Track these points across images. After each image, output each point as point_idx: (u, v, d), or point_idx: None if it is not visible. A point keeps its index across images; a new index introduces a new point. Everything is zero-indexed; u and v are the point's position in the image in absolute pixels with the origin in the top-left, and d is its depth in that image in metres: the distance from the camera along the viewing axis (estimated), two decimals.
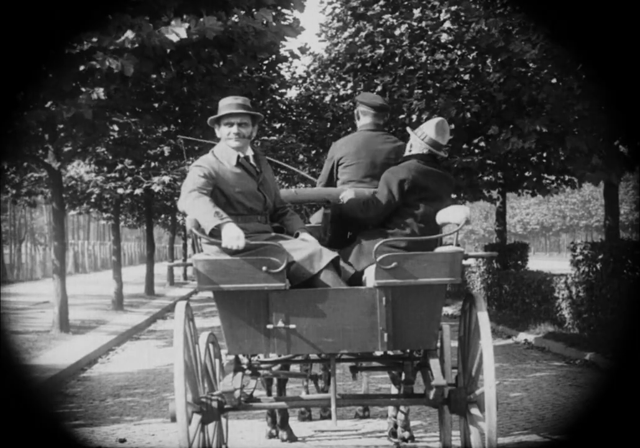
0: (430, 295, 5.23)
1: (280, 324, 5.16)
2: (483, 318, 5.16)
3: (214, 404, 5.42)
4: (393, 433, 6.95)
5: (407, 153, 5.89)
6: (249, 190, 5.46)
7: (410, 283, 5.18)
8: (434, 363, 5.43)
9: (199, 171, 5.36)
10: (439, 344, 5.81)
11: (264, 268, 5.10)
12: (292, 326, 5.16)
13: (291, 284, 5.24)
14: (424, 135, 5.76)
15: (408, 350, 5.79)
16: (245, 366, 5.87)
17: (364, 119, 6.33)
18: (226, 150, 5.51)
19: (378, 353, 5.90)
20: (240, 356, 5.82)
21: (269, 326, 5.17)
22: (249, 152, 5.57)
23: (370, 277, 5.34)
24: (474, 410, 5.33)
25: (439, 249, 5.49)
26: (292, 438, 7.02)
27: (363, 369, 6.47)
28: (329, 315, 5.17)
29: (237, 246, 5.06)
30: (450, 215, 5.53)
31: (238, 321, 5.19)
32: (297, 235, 5.56)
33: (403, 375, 6.20)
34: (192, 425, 5.17)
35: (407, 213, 5.64)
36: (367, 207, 5.69)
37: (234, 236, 5.06)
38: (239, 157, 5.49)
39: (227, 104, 5.50)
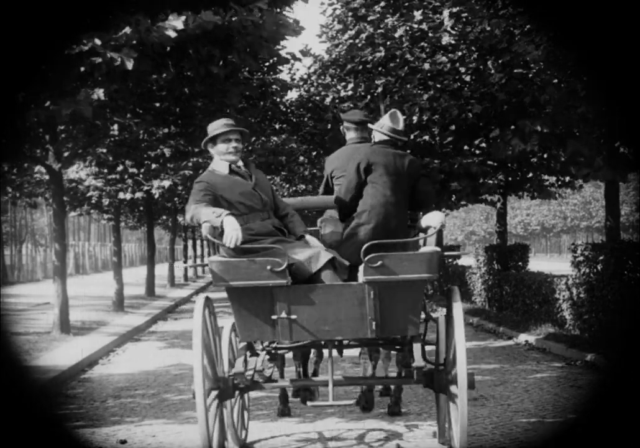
0: (412, 289, 5.91)
1: (284, 315, 5.86)
2: (457, 307, 5.96)
3: (230, 383, 6.20)
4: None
5: (372, 142, 6.72)
6: (245, 191, 6.21)
7: (393, 279, 5.85)
8: (416, 348, 6.23)
9: (198, 186, 6.16)
10: (435, 333, 6.57)
11: (269, 267, 5.77)
12: (294, 316, 5.86)
13: (294, 281, 5.90)
14: (382, 125, 6.63)
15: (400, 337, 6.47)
16: (259, 352, 6.63)
17: (349, 133, 7.27)
18: (219, 163, 6.33)
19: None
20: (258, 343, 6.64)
21: (274, 316, 5.87)
22: (239, 162, 6.38)
23: (360, 274, 6.00)
24: (453, 388, 6.02)
25: (420, 250, 6.17)
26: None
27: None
28: (325, 307, 5.88)
29: (236, 238, 5.75)
30: (431, 220, 6.26)
31: (247, 313, 5.91)
32: (300, 237, 6.27)
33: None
34: (210, 401, 5.94)
35: (368, 193, 6.44)
36: (339, 197, 6.57)
37: (232, 228, 5.76)
38: (230, 166, 6.29)
39: (223, 124, 6.33)
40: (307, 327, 5.91)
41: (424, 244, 6.38)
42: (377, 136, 6.66)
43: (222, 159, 6.32)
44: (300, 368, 7.63)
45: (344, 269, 6.13)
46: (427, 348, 6.67)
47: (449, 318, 6.20)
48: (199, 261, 46.61)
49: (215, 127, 6.32)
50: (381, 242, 6.06)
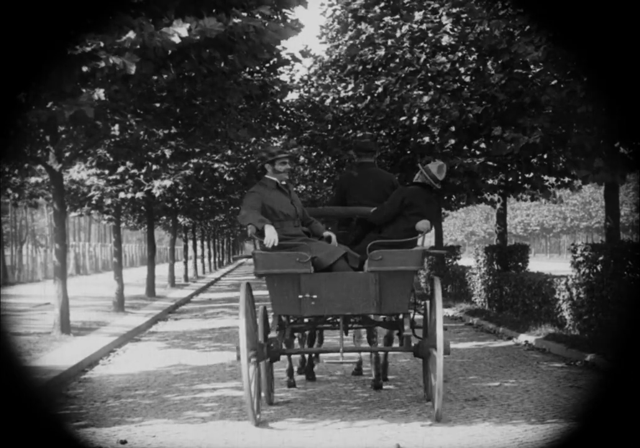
0: (404, 278, 7.94)
1: (307, 295, 7.81)
2: (437, 292, 7.89)
3: (264, 347, 8.17)
4: (358, 371, 10.30)
5: (415, 179, 8.57)
6: (284, 203, 8.24)
7: (390, 269, 7.85)
8: (406, 322, 8.16)
9: (251, 195, 8.17)
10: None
11: (297, 259, 7.78)
12: (315, 296, 7.82)
13: (316, 270, 7.86)
14: (430, 172, 8.47)
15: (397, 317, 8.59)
16: (287, 325, 8.51)
17: (359, 158, 9.24)
18: (269, 179, 8.34)
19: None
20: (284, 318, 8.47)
21: (300, 296, 7.83)
22: (283, 182, 8.40)
23: (366, 266, 7.93)
24: (433, 352, 7.90)
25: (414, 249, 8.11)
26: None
27: (356, 327, 9.22)
28: (338, 290, 7.85)
29: (273, 241, 7.66)
30: (420, 227, 8.23)
31: (280, 293, 7.89)
32: (321, 237, 8.30)
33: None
34: (250, 364, 7.72)
35: (399, 223, 8.38)
36: (377, 211, 8.55)
37: (271, 234, 7.71)
38: (277, 183, 8.31)
39: (280, 151, 8.39)
40: (325, 304, 7.84)
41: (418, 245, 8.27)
42: (420, 177, 8.53)
43: (274, 176, 8.29)
44: (307, 345, 9.77)
45: (356, 259, 8.05)
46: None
47: (431, 300, 8.14)
48: (198, 261, 46.91)
49: (274, 151, 8.35)
50: (384, 242, 8.08)
